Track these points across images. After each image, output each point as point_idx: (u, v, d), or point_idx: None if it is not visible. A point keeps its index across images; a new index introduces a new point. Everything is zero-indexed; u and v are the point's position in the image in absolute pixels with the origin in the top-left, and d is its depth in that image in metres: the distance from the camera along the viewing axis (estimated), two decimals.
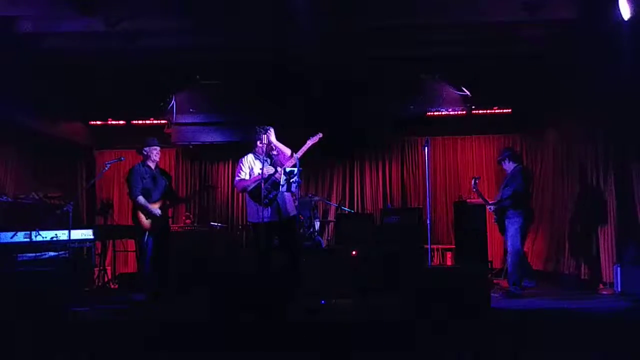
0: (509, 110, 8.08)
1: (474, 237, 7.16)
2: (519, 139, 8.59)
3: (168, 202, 5.88)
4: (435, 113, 7.96)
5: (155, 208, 5.65)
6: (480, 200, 6.85)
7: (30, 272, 5.23)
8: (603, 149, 6.34)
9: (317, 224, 7.44)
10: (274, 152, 5.46)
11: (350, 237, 6.98)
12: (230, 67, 7.58)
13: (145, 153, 5.84)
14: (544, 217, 7.64)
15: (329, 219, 8.68)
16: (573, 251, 6.97)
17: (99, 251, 7.19)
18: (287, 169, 5.30)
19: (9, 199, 6.47)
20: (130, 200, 5.83)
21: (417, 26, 6.55)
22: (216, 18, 6.19)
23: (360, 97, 7.69)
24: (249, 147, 5.62)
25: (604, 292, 5.94)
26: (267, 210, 5.26)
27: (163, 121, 8.21)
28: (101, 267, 7.08)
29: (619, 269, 5.78)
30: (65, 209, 5.68)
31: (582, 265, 6.74)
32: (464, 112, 7.94)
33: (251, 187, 5.37)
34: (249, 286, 4.56)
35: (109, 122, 8.40)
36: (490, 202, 6.42)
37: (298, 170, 5.29)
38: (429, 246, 5.67)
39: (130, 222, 5.75)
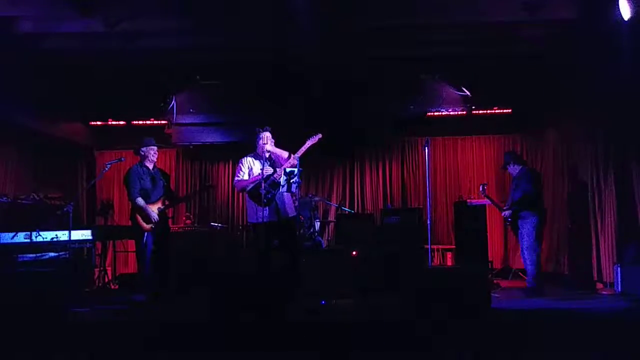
0: (509, 111, 8.08)
1: (474, 237, 7.16)
2: (519, 139, 8.59)
3: (167, 202, 5.87)
4: (436, 113, 7.95)
5: (154, 211, 5.64)
6: (480, 200, 6.86)
7: (31, 273, 5.24)
8: (603, 149, 6.34)
9: (318, 224, 7.44)
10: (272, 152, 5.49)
11: (351, 237, 6.97)
12: (230, 67, 7.57)
13: (143, 153, 5.83)
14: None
15: (329, 219, 8.68)
16: (573, 251, 6.97)
17: (99, 252, 7.19)
18: (287, 169, 5.30)
19: (9, 200, 6.46)
20: (129, 202, 5.84)
21: (417, 26, 6.54)
22: (216, 18, 6.18)
23: (360, 97, 7.68)
24: (249, 148, 5.64)
25: (604, 292, 5.95)
26: (266, 210, 5.26)
27: (163, 121, 8.21)
28: (101, 268, 7.08)
29: (619, 269, 5.78)
30: (65, 209, 5.68)
31: (582, 265, 6.75)
32: (464, 112, 7.93)
33: (250, 187, 5.39)
34: (249, 286, 4.56)
35: (109, 123, 8.40)
36: (503, 208, 6.42)
37: (298, 170, 5.29)
38: (429, 246, 5.67)
39: (130, 223, 5.74)
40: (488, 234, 7.43)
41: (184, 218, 8.23)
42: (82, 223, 7.96)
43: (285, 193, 5.41)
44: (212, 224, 7.77)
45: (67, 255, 5.85)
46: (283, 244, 5.49)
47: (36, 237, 5.86)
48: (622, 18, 5.23)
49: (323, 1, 5.79)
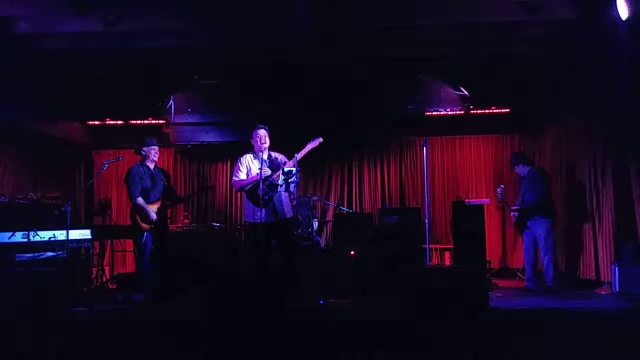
0: (507, 110, 8.09)
1: (472, 237, 7.17)
2: (517, 139, 8.59)
3: (168, 202, 5.86)
4: (434, 113, 7.96)
5: (153, 212, 5.63)
6: (479, 200, 6.86)
7: (29, 273, 5.22)
8: (601, 149, 6.35)
9: (316, 224, 7.44)
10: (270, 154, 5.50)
11: (349, 237, 6.98)
12: (229, 67, 7.57)
13: (144, 153, 5.83)
14: None
15: (327, 218, 8.67)
16: (571, 251, 6.98)
17: (97, 251, 7.17)
18: (286, 169, 5.30)
19: (7, 199, 6.45)
20: (128, 201, 5.83)
21: (417, 26, 6.55)
22: (216, 18, 6.18)
23: (360, 97, 7.69)
24: (248, 147, 5.63)
25: (603, 292, 5.95)
26: (263, 210, 5.26)
27: (161, 121, 8.21)
28: (99, 267, 7.06)
29: (617, 268, 5.78)
30: (63, 209, 5.66)
31: (580, 265, 6.76)
32: (462, 112, 7.94)
33: (248, 187, 5.38)
34: (248, 286, 4.56)
35: (107, 122, 8.37)
36: (513, 209, 6.54)
37: (297, 170, 5.29)
38: (427, 246, 5.68)
39: (128, 222, 5.73)
40: (486, 233, 7.44)
41: (182, 217, 8.23)
42: (80, 223, 7.94)
43: (283, 193, 5.41)
44: (210, 223, 7.76)
45: (65, 255, 5.84)
46: (280, 244, 5.49)
47: (34, 236, 5.83)
48: (620, 18, 5.25)
49: (323, 1, 5.79)
